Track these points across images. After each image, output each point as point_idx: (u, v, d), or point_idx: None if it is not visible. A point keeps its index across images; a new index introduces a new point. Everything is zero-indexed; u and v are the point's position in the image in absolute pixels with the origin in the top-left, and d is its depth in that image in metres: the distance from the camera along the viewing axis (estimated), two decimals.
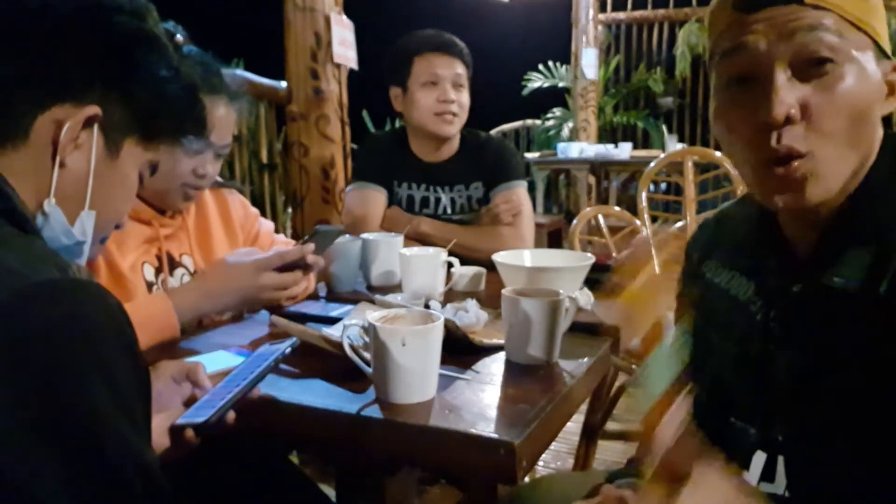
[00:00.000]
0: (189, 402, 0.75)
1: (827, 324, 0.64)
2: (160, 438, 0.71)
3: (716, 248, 0.80)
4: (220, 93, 1.09)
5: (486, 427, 0.70)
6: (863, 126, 0.62)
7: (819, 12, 0.61)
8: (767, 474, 0.68)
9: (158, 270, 1.11)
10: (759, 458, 0.69)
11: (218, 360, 0.90)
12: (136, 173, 0.68)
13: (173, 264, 1.13)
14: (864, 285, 0.61)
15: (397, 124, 1.80)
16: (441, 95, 1.59)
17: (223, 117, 1.10)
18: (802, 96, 0.61)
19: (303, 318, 1.07)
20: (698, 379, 0.80)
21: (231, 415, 0.71)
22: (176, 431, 0.70)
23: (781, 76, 0.61)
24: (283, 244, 1.34)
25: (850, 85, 0.60)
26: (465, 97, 1.63)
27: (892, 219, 0.62)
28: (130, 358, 0.52)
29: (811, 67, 0.61)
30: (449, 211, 1.69)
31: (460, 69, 1.62)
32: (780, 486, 0.68)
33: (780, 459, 0.67)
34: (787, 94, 0.60)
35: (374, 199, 1.65)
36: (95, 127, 0.61)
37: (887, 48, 0.64)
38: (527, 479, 1.06)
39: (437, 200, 1.68)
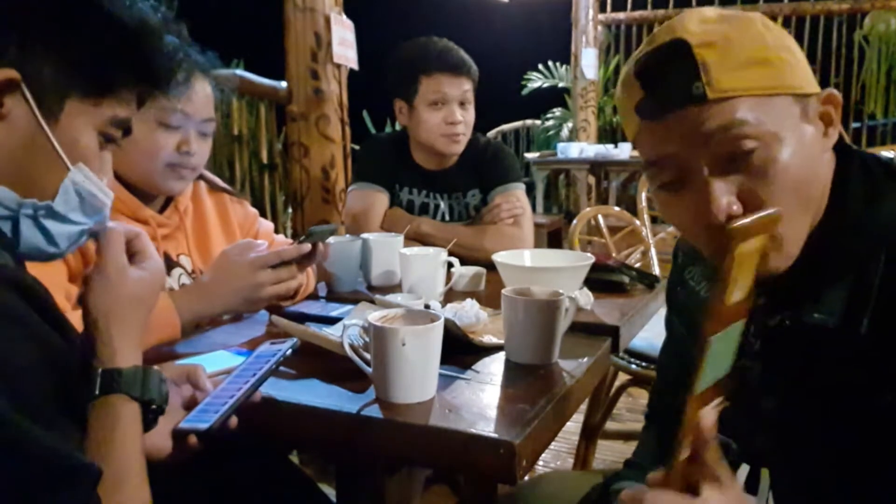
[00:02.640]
0: (189, 405, 0.75)
1: (805, 356, 0.63)
2: (162, 441, 0.71)
3: (698, 256, 0.80)
4: (194, 69, 1.08)
5: (486, 427, 0.70)
6: (806, 186, 0.60)
7: (728, 104, 0.57)
8: (750, 486, 0.68)
9: None
10: (742, 470, 0.69)
11: (217, 360, 0.91)
12: (89, 135, 0.61)
13: (171, 264, 1.13)
14: (843, 322, 0.60)
15: (397, 126, 1.82)
16: (449, 117, 1.59)
17: (199, 92, 1.09)
18: (739, 187, 0.59)
19: (303, 318, 1.07)
20: (685, 383, 0.80)
21: (233, 420, 0.71)
22: (179, 436, 0.71)
23: (711, 178, 0.58)
24: (283, 245, 1.34)
25: (781, 161, 0.58)
26: (470, 114, 1.64)
27: (867, 253, 0.60)
28: (33, 342, 0.50)
29: (738, 159, 0.58)
30: (447, 217, 1.70)
31: (467, 86, 1.63)
32: (762, 498, 0.68)
33: (764, 473, 0.68)
34: (723, 193, 0.58)
35: (376, 199, 1.65)
36: (24, 89, 0.55)
37: (809, 87, 0.60)
38: (526, 478, 1.06)
39: (437, 207, 1.70)
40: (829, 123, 0.62)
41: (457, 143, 1.62)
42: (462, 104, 1.61)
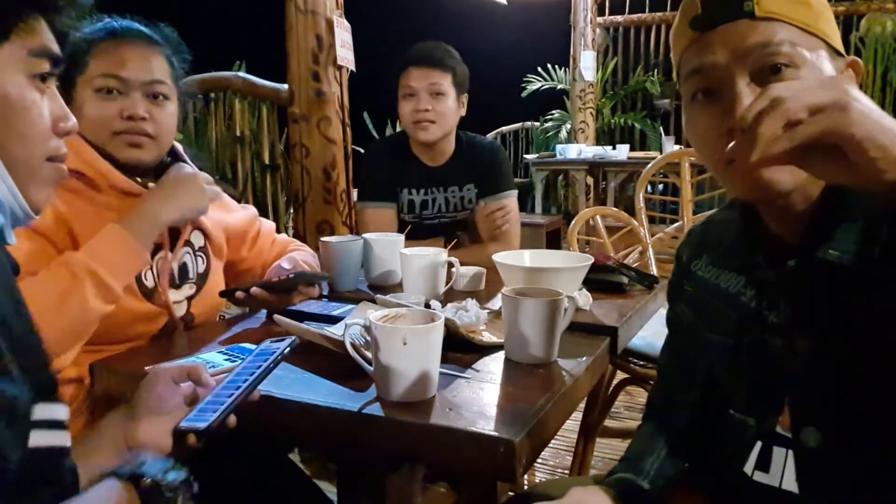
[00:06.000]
0: (192, 402, 0.75)
1: (825, 296, 0.66)
2: (164, 441, 0.72)
3: (705, 250, 0.82)
4: (133, 38, 1.07)
5: (486, 425, 0.70)
6: None
7: (770, 24, 0.64)
8: (762, 464, 0.70)
9: (158, 247, 1.08)
10: (755, 448, 0.71)
11: (217, 359, 0.91)
12: (16, 81, 0.56)
13: (175, 240, 1.11)
14: (858, 257, 0.63)
15: (398, 127, 1.89)
16: (415, 105, 1.71)
17: (137, 55, 1.06)
18: None
19: (304, 317, 1.08)
20: (690, 376, 0.82)
21: (232, 418, 0.71)
22: (178, 435, 0.71)
23: (743, 86, 0.65)
24: (284, 243, 1.35)
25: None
26: (444, 104, 1.72)
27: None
28: None
29: (770, 74, 0.64)
30: (444, 210, 1.80)
31: (438, 78, 1.71)
32: (774, 476, 0.69)
33: (775, 450, 0.69)
34: (750, 99, 0.63)
35: (384, 215, 1.77)
36: None
37: (838, 47, 0.68)
38: (526, 483, 1.06)
39: (434, 201, 1.79)
40: None
41: (424, 129, 1.71)
42: (433, 95, 1.70)
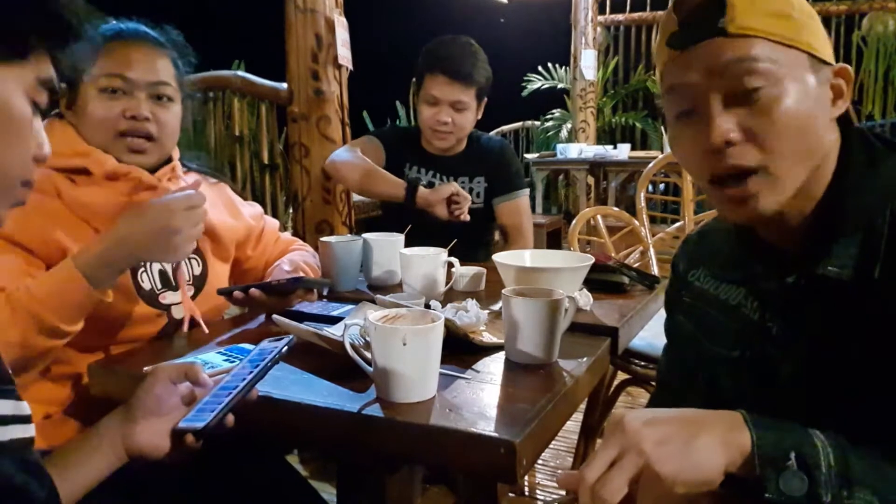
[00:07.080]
0: (190, 402, 0.75)
1: (825, 313, 0.65)
2: (162, 441, 0.71)
3: (701, 261, 0.82)
4: (140, 40, 1.08)
5: (487, 426, 0.70)
6: (806, 137, 0.65)
7: (746, 41, 0.63)
8: None
9: None
10: None
11: (216, 359, 0.91)
12: (20, 99, 0.57)
13: None
14: (858, 272, 0.63)
15: (398, 124, 1.92)
16: (436, 115, 1.73)
17: (143, 56, 1.06)
18: (741, 120, 0.64)
19: (304, 318, 1.08)
20: (691, 385, 0.81)
21: (230, 417, 0.71)
22: (176, 435, 0.71)
23: (717, 106, 0.64)
24: (287, 242, 1.34)
25: (785, 104, 0.63)
26: (464, 118, 1.75)
27: (872, 207, 0.64)
28: None
29: (746, 93, 0.64)
30: None
31: (462, 95, 1.72)
32: None
33: None
34: (725, 121, 0.64)
35: (373, 149, 1.79)
36: None
37: (826, 56, 0.67)
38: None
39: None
40: (839, 95, 0.67)
41: (442, 140, 1.76)
42: (455, 109, 1.72)
